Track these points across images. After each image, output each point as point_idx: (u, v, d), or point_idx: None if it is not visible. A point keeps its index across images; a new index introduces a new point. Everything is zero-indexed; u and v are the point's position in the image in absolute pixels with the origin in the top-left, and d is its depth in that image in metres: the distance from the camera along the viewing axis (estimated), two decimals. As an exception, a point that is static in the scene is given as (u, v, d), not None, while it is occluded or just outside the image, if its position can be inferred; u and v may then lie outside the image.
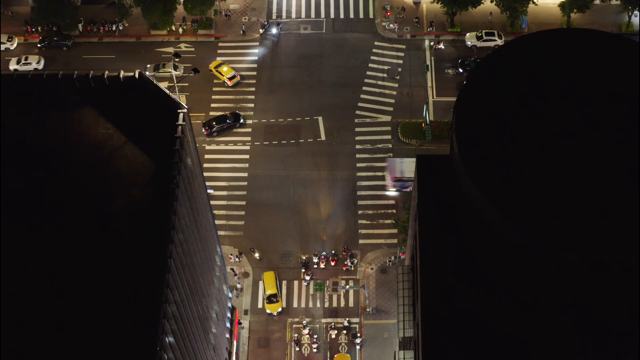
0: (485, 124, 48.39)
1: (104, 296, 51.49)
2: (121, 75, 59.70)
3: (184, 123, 57.83)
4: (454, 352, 46.20)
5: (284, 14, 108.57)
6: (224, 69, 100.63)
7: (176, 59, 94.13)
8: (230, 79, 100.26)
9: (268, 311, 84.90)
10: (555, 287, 46.65)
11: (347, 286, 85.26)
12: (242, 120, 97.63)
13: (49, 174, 56.69)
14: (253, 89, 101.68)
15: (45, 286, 51.87)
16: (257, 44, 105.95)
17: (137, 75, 59.54)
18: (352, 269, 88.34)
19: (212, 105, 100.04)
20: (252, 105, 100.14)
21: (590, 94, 49.03)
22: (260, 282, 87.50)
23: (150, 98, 59.45)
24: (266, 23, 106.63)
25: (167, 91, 59.32)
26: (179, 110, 58.08)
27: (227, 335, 79.10)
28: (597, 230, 44.68)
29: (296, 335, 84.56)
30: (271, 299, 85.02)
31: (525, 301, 46.79)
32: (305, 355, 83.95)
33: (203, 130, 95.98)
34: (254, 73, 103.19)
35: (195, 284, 61.67)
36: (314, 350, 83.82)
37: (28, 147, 57.91)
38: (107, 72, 60.27)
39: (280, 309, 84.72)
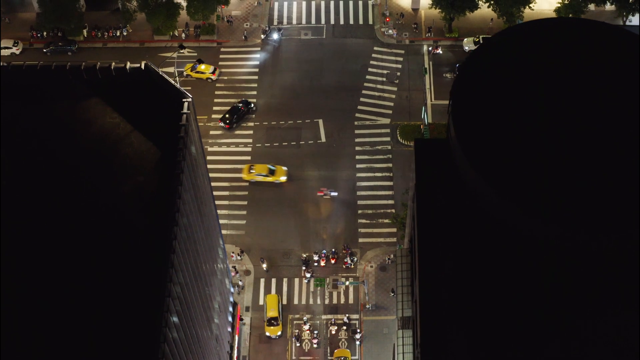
0: (480, 107, 49.97)
1: (110, 276, 52.87)
2: (128, 67, 61.45)
3: (189, 112, 59.45)
4: (450, 330, 47.42)
5: (285, 20, 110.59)
6: (202, 67, 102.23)
7: (181, 50, 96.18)
8: (213, 72, 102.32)
9: (267, 334, 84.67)
10: (552, 266, 47.98)
11: (347, 282, 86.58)
12: (252, 106, 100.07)
13: (57, 161, 58.22)
14: (255, 92, 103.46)
15: (53, 265, 53.29)
16: (259, 49, 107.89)
17: (143, 67, 61.27)
18: (352, 266, 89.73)
19: (215, 108, 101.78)
20: (253, 107, 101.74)
21: (583, 78, 50.60)
22: (262, 280, 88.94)
23: (156, 88, 61.15)
24: (267, 29, 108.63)
25: (173, 81, 61.01)
26: (183, 100, 59.73)
27: (229, 329, 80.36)
28: (590, 208, 46.08)
29: (297, 331, 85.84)
30: (272, 321, 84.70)
31: (520, 279, 48.11)
32: (306, 350, 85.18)
33: (223, 125, 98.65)
34: (256, 77, 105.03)
35: (199, 270, 63.08)
36: (315, 345, 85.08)
37: (36, 136, 59.50)
38: (114, 63, 62.09)
39: (279, 333, 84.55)
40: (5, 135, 58.76)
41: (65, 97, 61.48)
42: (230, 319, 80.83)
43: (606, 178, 47.00)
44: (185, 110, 59.27)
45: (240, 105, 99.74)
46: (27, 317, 51.43)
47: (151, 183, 57.53)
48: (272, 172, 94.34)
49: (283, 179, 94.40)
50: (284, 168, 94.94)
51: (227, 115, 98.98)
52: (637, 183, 46.59)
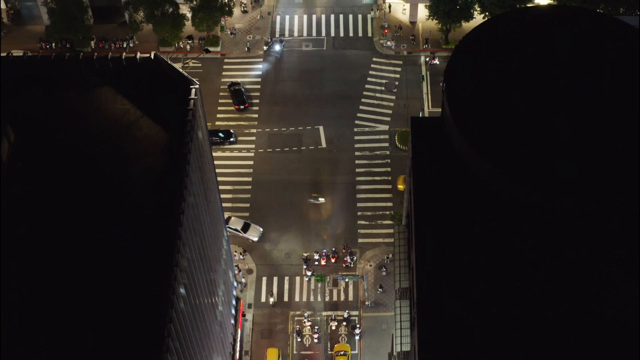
0: (472, 85, 52.65)
1: (121, 250, 55.45)
2: (138, 57, 64.52)
3: (196, 97, 62.38)
4: (445, 292, 49.71)
5: (286, 33, 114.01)
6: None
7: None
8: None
9: None
10: (542, 234, 50.43)
11: (347, 278, 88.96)
12: (232, 139, 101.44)
13: (70, 144, 61.07)
14: (257, 100, 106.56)
15: (67, 240, 55.89)
16: (261, 59, 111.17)
17: (152, 56, 64.36)
18: (352, 265, 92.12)
19: (218, 115, 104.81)
20: (256, 115, 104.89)
21: (571, 60, 53.46)
22: (264, 278, 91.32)
23: (165, 77, 64.16)
24: (270, 41, 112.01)
25: (181, 70, 64.01)
26: (191, 86, 62.67)
27: (232, 321, 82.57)
28: (577, 177, 48.68)
29: (298, 326, 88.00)
30: None
31: (512, 246, 50.52)
32: (307, 345, 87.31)
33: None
34: (258, 86, 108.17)
35: (204, 252, 65.59)
36: (315, 340, 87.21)
37: (50, 121, 62.42)
38: (124, 53, 65.16)
39: None
40: (20, 120, 61.58)
41: (77, 86, 64.46)
42: (233, 311, 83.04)
43: (591, 150, 49.63)
44: (192, 96, 62.18)
45: (220, 132, 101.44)
46: (42, 286, 53.92)
47: (160, 164, 60.26)
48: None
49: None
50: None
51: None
52: (620, 155, 49.25)
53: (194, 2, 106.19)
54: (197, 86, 62.91)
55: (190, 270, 59.47)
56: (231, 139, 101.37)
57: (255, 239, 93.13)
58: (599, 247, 50.50)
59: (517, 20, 56.22)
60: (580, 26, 55.30)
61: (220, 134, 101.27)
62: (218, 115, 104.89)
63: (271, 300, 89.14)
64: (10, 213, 56.59)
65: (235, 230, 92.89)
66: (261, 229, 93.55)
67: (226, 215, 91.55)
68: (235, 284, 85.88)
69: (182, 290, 56.60)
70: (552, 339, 47.40)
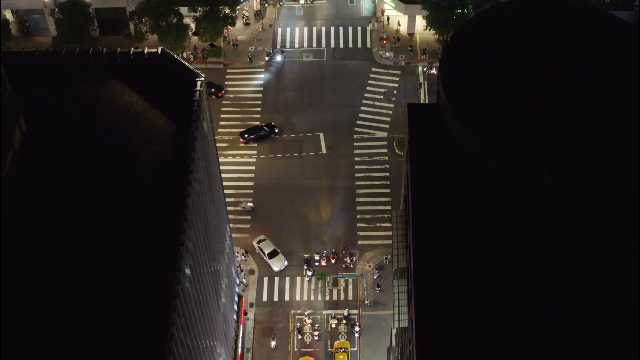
0: (466, 71, 55.28)
1: (127, 230, 57.61)
2: (146, 52, 67.09)
3: (202, 89, 64.84)
4: (442, 276, 51.55)
5: (287, 44, 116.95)
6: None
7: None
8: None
9: None
10: (533, 209, 52.63)
11: (346, 276, 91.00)
12: (276, 130, 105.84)
13: (80, 133, 63.41)
14: (259, 109, 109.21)
15: (77, 222, 58.07)
16: (263, 70, 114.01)
17: (159, 52, 66.94)
18: (352, 266, 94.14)
19: (221, 123, 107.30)
20: (257, 123, 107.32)
21: (560, 47, 56.13)
22: (265, 279, 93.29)
23: (172, 71, 66.67)
24: (271, 51, 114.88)
25: (187, 64, 66.55)
26: (197, 79, 65.16)
27: (235, 317, 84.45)
28: (565, 154, 51.05)
29: (298, 324, 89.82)
30: None
31: (504, 222, 52.67)
32: (307, 343, 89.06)
33: (240, 139, 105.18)
34: (260, 95, 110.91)
35: (208, 240, 67.70)
36: (315, 338, 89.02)
37: (61, 112, 64.84)
38: (132, 49, 67.76)
39: None
40: (33, 111, 64.01)
41: (87, 79, 66.96)
42: (235, 307, 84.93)
43: (579, 129, 52.06)
44: (198, 88, 64.65)
45: (264, 126, 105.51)
46: (50, 267, 56.03)
47: (166, 152, 62.56)
48: None
49: None
50: None
51: (247, 133, 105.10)
52: (605, 133, 51.69)
53: (198, 13, 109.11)
54: (203, 78, 65.38)
55: (195, 253, 61.53)
56: (276, 131, 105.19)
57: (277, 269, 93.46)
58: (591, 222, 52.64)
59: (510, 12, 58.92)
60: (568, 16, 57.99)
61: (265, 128, 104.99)
62: (221, 123, 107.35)
63: (273, 344, 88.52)
64: (25, 196, 58.84)
65: (262, 252, 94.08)
66: (286, 262, 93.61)
67: (262, 236, 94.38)
68: (237, 281, 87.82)
69: (187, 271, 58.62)
70: (545, 309, 49.35)
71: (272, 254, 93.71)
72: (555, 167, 50.57)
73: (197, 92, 64.44)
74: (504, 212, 53.04)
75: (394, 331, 57.30)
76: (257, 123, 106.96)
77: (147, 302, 53.98)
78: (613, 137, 51.27)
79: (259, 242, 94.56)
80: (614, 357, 47.33)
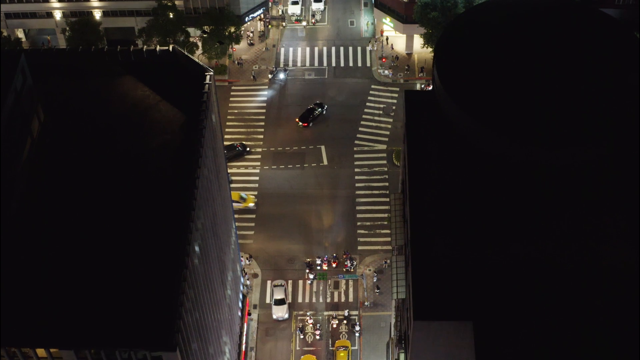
0: (458, 59, 59.19)
1: (141, 208, 61.02)
2: (157, 50, 71.07)
3: (211, 82, 68.65)
4: (434, 234, 54.72)
5: (290, 63, 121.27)
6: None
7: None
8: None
9: None
10: (520, 186, 56.09)
11: (347, 276, 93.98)
12: (325, 107, 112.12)
13: (96, 123, 67.12)
14: (262, 123, 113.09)
15: (96, 201, 61.66)
16: (266, 87, 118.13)
17: (171, 49, 70.90)
18: (352, 270, 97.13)
19: (226, 136, 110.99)
20: (261, 136, 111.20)
21: (549, 38, 60.09)
22: (269, 282, 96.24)
23: (182, 67, 70.55)
24: (274, 70, 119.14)
25: (197, 60, 70.45)
26: (206, 73, 69.01)
27: (239, 314, 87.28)
28: (552, 130, 54.69)
29: (301, 324, 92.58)
30: None
31: (495, 195, 56.02)
32: (309, 342, 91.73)
33: (301, 124, 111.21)
34: (264, 110, 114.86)
35: (215, 229, 70.97)
36: (317, 337, 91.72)
37: (78, 104, 68.59)
38: (145, 47, 71.70)
39: None
40: (52, 103, 67.75)
41: (102, 75, 70.82)
42: (240, 304, 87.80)
43: (563, 109, 55.79)
44: (207, 81, 68.46)
45: (315, 106, 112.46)
46: (75, 237, 59.43)
47: (177, 140, 66.19)
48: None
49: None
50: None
51: (305, 115, 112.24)
52: (590, 114, 55.40)
53: (205, 32, 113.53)
54: (212, 73, 69.20)
55: (203, 235, 64.81)
56: (325, 107, 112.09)
57: (275, 316, 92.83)
58: (573, 194, 56.05)
59: (500, 6, 62.96)
60: (556, 9, 62.06)
61: (315, 108, 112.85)
62: (226, 136, 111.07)
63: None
64: (47, 178, 62.56)
65: (272, 293, 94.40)
66: (287, 315, 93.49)
67: (281, 281, 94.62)
68: (242, 279, 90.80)
69: (197, 248, 61.85)
70: (527, 267, 52.53)
71: (279, 302, 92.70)
72: (542, 142, 54.14)
73: (207, 85, 68.20)
74: (491, 187, 56.49)
75: (393, 302, 60.22)
76: (261, 136, 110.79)
77: (160, 271, 57.24)
78: (597, 117, 54.95)
79: (274, 285, 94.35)
80: (585, 305, 50.54)
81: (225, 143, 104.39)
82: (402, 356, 59.45)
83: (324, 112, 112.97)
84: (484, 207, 55.80)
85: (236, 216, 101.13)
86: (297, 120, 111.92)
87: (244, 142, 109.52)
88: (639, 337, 48.98)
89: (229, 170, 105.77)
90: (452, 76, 57.99)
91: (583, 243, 53.39)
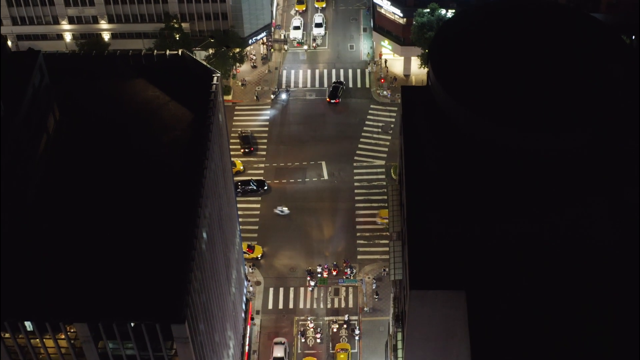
0: (451, 55, 63.10)
1: (152, 197, 64.46)
2: (167, 54, 75.04)
3: (217, 83, 72.49)
4: (430, 214, 57.96)
5: (292, 84, 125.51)
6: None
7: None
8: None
9: None
10: (513, 167, 59.45)
11: (346, 281, 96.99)
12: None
13: (109, 121, 70.85)
14: (265, 140, 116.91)
15: (110, 192, 65.21)
16: (269, 107, 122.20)
17: (180, 53, 74.89)
18: (352, 277, 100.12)
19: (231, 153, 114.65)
20: (264, 153, 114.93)
21: (537, 36, 64.04)
22: (271, 289, 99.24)
23: (190, 71, 74.44)
24: (277, 90, 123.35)
25: (205, 63, 74.38)
26: (213, 74, 72.90)
27: (243, 316, 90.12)
28: (541, 118, 58.35)
29: (302, 328, 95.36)
30: None
31: (488, 179, 59.37)
32: (310, 345, 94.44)
33: (333, 101, 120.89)
34: (266, 129, 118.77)
35: (221, 223, 74.27)
36: (318, 341, 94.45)
37: (92, 104, 72.38)
38: (155, 51, 75.71)
39: None
40: (66, 103, 71.54)
41: (114, 77, 74.70)
42: (244, 306, 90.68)
43: (550, 98, 59.52)
44: (214, 82, 72.31)
45: (337, 84, 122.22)
46: (93, 221, 62.84)
47: (185, 136, 69.85)
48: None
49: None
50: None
51: (333, 92, 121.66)
52: (575, 103, 59.12)
53: (210, 55, 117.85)
54: (219, 74, 73.08)
55: (210, 224, 68.12)
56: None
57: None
58: (559, 176, 59.40)
59: (492, 8, 67.03)
60: (544, 11, 66.15)
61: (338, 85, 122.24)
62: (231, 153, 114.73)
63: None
64: (66, 167, 66.30)
65: (273, 351, 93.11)
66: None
67: (283, 339, 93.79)
68: (245, 283, 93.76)
69: (204, 235, 65.13)
70: (516, 241, 55.75)
71: (280, 351, 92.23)
72: (531, 128, 57.76)
73: (214, 86, 72.02)
74: (482, 171, 59.83)
75: (392, 296, 63.33)
76: (264, 152, 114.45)
77: (170, 252, 60.51)
78: (582, 106, 58.67)
79: (275, 343, 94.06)
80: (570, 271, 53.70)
81: (241, 178, 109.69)
82: (399, 335, 62.39)
83: (344, 88, 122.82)
84: (476, 190, 59.09)
85: (240, 227, 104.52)
86: (327, 99, 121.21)
87: (262, 179, 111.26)
88: (622, 301, 52.09)
89: (238, 205, 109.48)
90: (446, 71, 61.77)
91: (569, 221, 56.66)
